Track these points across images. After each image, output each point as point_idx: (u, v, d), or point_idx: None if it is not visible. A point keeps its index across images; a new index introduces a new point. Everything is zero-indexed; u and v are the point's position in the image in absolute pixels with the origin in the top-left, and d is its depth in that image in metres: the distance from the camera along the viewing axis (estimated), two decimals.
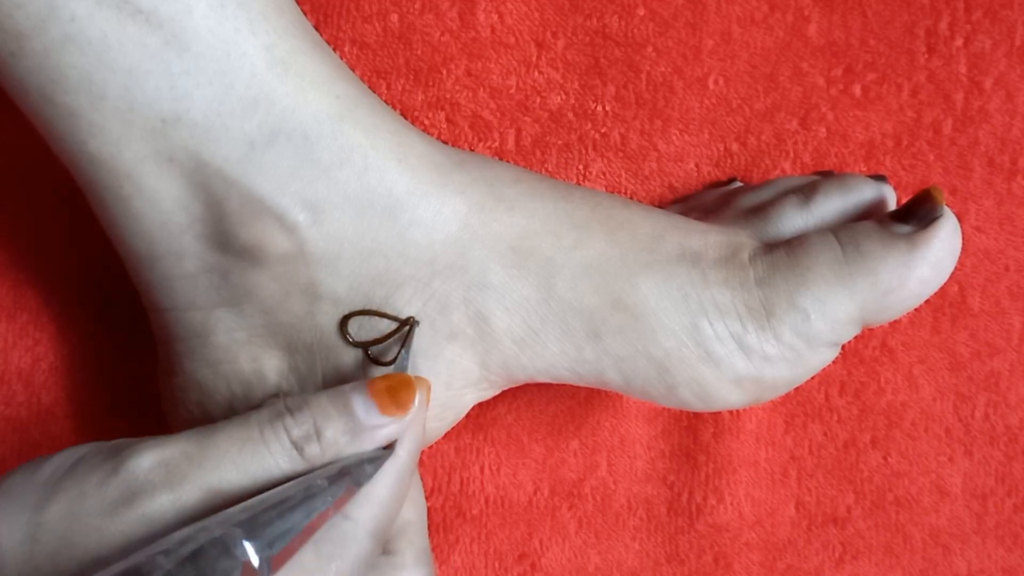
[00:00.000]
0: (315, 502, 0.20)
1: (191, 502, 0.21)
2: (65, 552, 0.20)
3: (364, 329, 0.27)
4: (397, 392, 0.23)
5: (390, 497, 0.23)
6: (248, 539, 0.19)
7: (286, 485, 0.21)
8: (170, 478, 0.21)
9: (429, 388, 0.24)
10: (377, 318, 0.26)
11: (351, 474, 0.22)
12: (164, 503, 0.20)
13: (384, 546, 0.24)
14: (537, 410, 0.36)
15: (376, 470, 0.22)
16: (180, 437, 0.22)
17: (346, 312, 0.26)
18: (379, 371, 0.27)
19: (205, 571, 0.18)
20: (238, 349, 0.27)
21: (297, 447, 0.22)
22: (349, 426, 0.22)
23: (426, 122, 0.35)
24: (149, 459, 0.21)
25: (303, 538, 0.20)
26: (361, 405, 0.23)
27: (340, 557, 0.22)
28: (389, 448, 0.23)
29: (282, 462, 0.22)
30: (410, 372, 0.27)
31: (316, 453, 0.22)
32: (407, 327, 0.26)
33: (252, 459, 0.21)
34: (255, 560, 0.18)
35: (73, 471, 0.21)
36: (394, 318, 0.26)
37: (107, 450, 0.22)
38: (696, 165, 0.36)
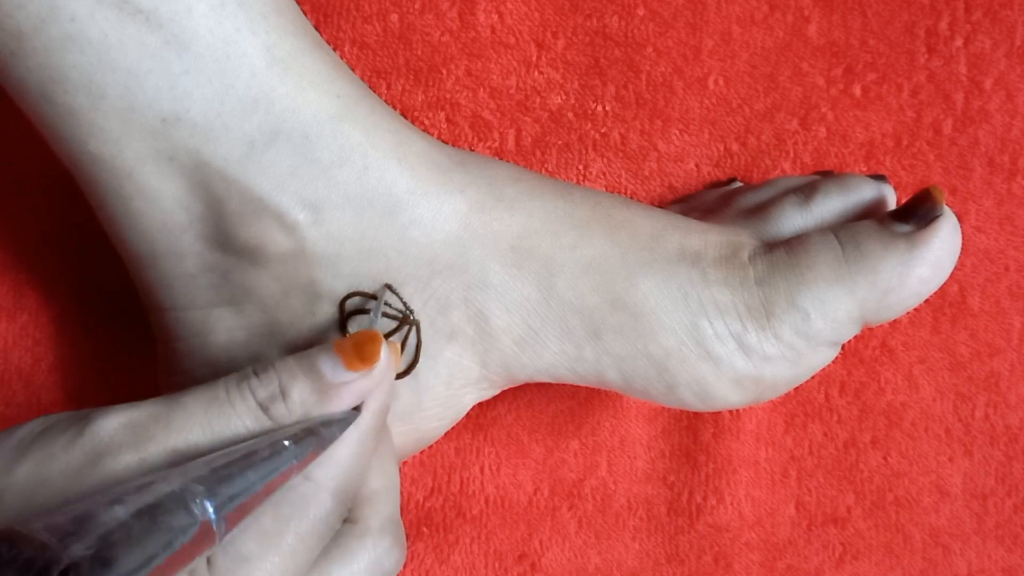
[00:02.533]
0: (277, 461, 0.20)
1: (157, 463, 0.20)
2: (29, 513, 0.20)
3: (364, 328, 0.27)
4: (362, 347, 0.22)
5: (352, 458, 0.22)
6: (208, 496, 0.18)
7: (250, 442, 0.20)
8: (135, 439, 0.20)
9: (398, 351, 0.24)
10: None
11: (317, 435, 0.21)
12: (129, 463, 0.20)
13: (349, 514, 0.24)
14: (537, 410, 0.36)
15: (342, 431, 0.22)
16: (147, 402, 0.22)
17: (346, 311, 0.26)
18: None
19: (160, 526, 0.17)
20: (238, 349, 0.27)
21: (263, 408, 0.21)
22: (316, 385, 0.22)
23: (426, 122, 0.35)
24: (115, 421, 0.21)
25: (261, 497, 0.20)
26: (327, 363, 0.22)
27: (299, 518, 0.21)
28: (357, 410, 0.23)
29: (248, 422, 0.21)
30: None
31: (283, 413, 0.21)
32: (406, 326, 0.26)
33: (218, 420, 0.21)
34: (212, 518, 0.18)
35: (42, 436, 0.21)
36: (394, 317, 0.26)
37: (75, 416, 0.22)
38: (696, 165, 0.36)
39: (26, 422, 0.22)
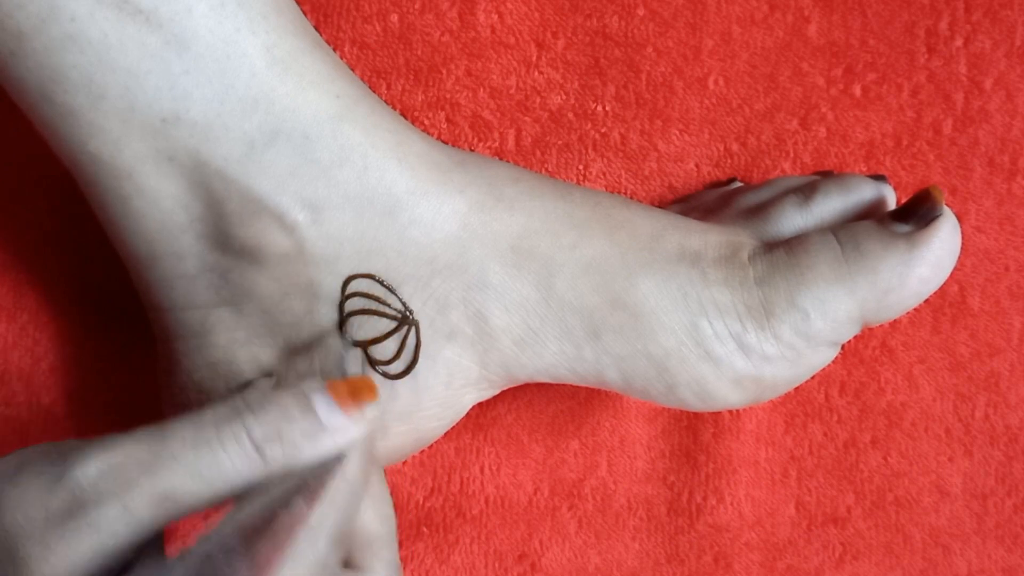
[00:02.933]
0: (294, 512, 0.20)
1: (142, 511, 0.20)
2: (9, 567, 0.19)
3: (363, 329, 0.27)
4: (358, 391, 0.22)
5: (344, 498, 0.22)
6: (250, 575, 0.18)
7: (264, 497, 0.20)
8: (118, 486, 0.20)
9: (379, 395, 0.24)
10: (377, 317, 0.26)
11: (316, 477, 0.21)
12: (112, 511, 0.19)
13: (350, 561, 0.24)
14: (537, 410, 0.36)
15: (334, 474, 0.22)
16: (129, 439, 0.21)
17: (346, 311, 0.26)
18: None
19: None
20: (237, 349, 0.27)
21: (258, 448, 0.21)
22: (311, 427, 0.21)
23: (426, 122, 0.35)
24: (95, 465, 0.20)
25: (283, 550, 0.20)
26: (322, 405, 0.22)
27: (294, 563, 0.21)
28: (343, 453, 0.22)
29: (239, 464, 0.21)
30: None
31: (277, 455, 0.21)
32: (406, 327, 0.26)
33: (207, 462, 0.20)
34: None
35: (17, 478, 0.20)
36: (393, 317, 0.26)
37: (52, 454, 0.21)
38: (696, 165, 0.36)
39: None
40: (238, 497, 0.21)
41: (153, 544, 0.21)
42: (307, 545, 0.21)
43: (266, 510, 0.20)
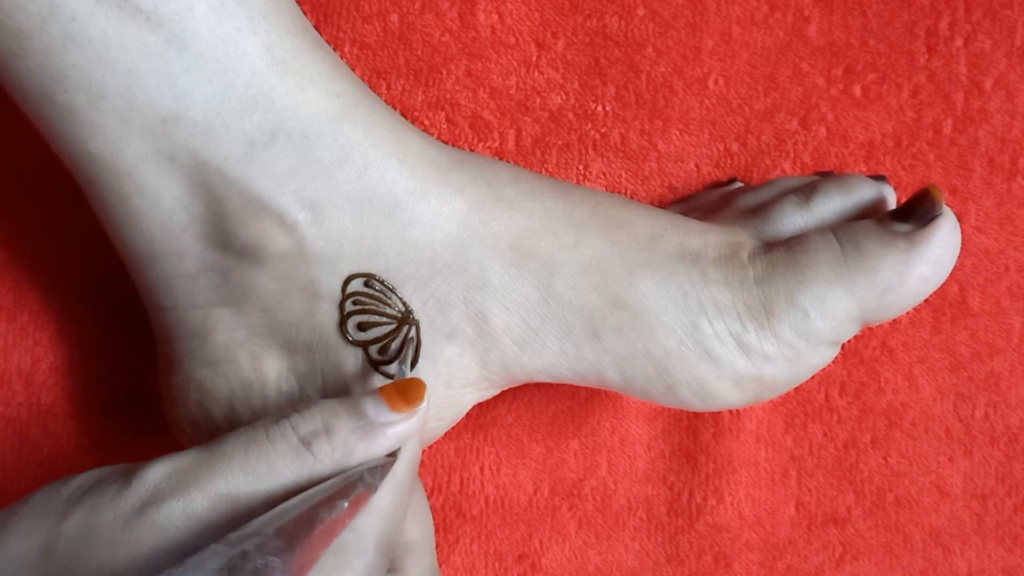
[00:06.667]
0: (337, 521, 0.20)
1: (200, 508, 0.20)
2: (78, 564, 0.20)
3: (364, 328, 0.27)
4: (407, 389, 0.23)
5: (391, 507, 0.22)
6: (285, 570, 0.18)
7: (307, 496, 0.20)
8: (179, 486, 0.21)
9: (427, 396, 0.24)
10: (377, 317, 0.26)
11: (362, 481, 0.21)
12: (174, 510, 0.20)
13: (390, 564, 0.24)
14: (537, 410, 0.36)
15: (382, 479, 0.22)
16: (192, 449, 0.22)
17: (346, 311, 0.26)
18: (377, 380, 0.27)
19: None
20: (237, 348, 0.27)
21: (305, 443, 0.21)
22: (359, 423, 0.22)
23: (426, 122, 0.35)
24: (160, 470, 0.21)
25: (322, 551, 0.20)
26: (371, 404, 0.22)
27: (345, 570, 0.21)
28: (392, 456, 0.23)
29: (289, 461, 0.21)
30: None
31: (326, 451, 0.21)
32: (406, 326, 0.26)
33: (259, 460, 0.21)
34: None
35: (93, 488, 0.21)
36: (393, 317, 0.26)
37: (124, 468, 0.22)
38: (696, 165, 0.36)
39: (80, 474, 0.22)
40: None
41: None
42: (356, 553, 0.21)
43: (309, 510, 0.20)
